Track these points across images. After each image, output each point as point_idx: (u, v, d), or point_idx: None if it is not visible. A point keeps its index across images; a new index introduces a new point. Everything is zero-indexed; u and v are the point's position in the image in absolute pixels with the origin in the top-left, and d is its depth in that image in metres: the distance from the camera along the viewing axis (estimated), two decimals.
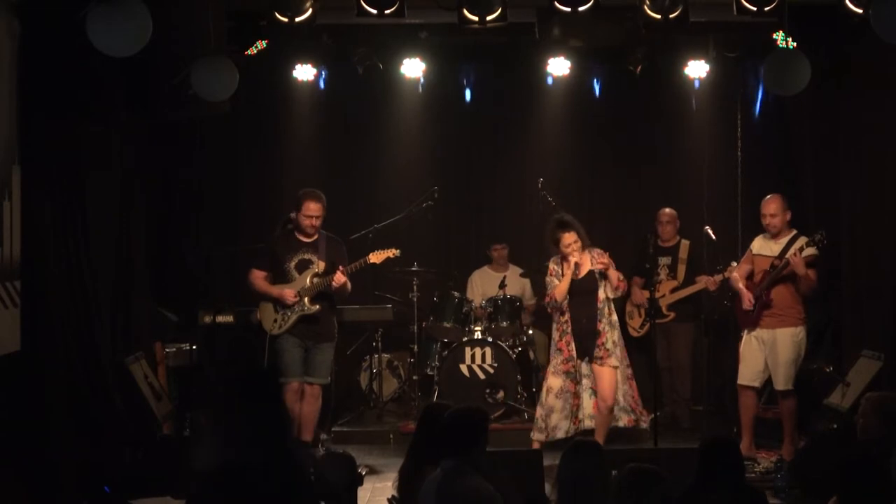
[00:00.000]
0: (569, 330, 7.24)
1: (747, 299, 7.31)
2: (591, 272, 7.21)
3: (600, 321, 7.20)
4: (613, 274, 7.20)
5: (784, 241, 7.30)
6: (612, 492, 4.04)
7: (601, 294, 7.21)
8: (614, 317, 7.30)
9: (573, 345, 7.22)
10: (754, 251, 7.50)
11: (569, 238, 7.19)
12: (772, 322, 7.28)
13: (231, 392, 3.93)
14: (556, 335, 7.33)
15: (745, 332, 7.42)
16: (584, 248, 7.24)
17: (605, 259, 7.21)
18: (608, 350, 7.17)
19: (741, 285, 7.41)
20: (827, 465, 4.50)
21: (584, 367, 7.22)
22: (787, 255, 7.16)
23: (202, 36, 6.47)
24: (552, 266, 7.38)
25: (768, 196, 7.44)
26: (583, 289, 7.23)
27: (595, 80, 9.35)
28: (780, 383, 7.26)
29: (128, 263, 7.62)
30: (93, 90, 6.47)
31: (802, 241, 7.24)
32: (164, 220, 8.78)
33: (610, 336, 7.20)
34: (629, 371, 7.36)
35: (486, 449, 4.42)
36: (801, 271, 7.11)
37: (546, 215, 7.56)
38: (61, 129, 6.64)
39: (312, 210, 7.30)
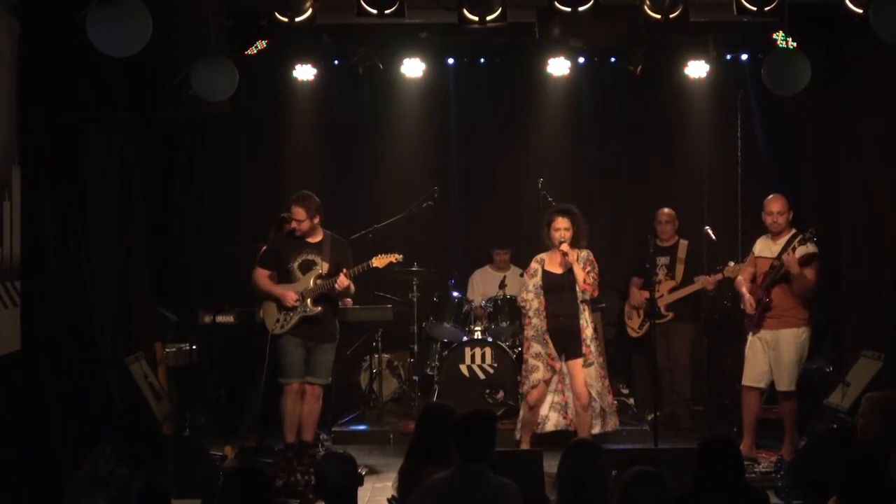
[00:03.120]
0: (544, 328, 7.21)
1: (749, 304, 7.29)
2: (571, 269, 7.18)
3: (579, 318, 7.19)
4: (579, 273, 7.14)
5: (783, 241, 7.29)
6: (612, 492, 4.04)
7: (578, 291, 7.19)
8: (588, 315, 7.26)
9: (550, 343, 7.21)
10: (756, 253, 7.49)
11: (561, 223, 7.15)
12: (774, 323, 7.26)
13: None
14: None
15: (750, 334, 7.40)
16: (577, 245, 7.20)
17: (569, 250, 7.10)
18: (587, 346, 7.18)
19: (744, 289, 7.39)
20: (827, 465, 4.50)
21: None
22: (783, 255, 7.14)
23: (202, 36, 6.47)
24: (533, 264, 7.38)
25: (772, 195, 7.44)
26: (562, 285, 7.20)
27: (595, 80, 9.36)
28: (783, 384, 7.25)
29: (128, 263, 7.61)
30: (93, 90, 6.47)
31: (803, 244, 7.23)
32: (164, 220, 8.78)
33: (585, 332, 7.20)
34: (602, 371, 7.32)
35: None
36: (795, 269, 7.09)
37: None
38: (61, 129, 6.64)
39: (295, 214, 7.30)
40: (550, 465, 5.14)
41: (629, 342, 9.00)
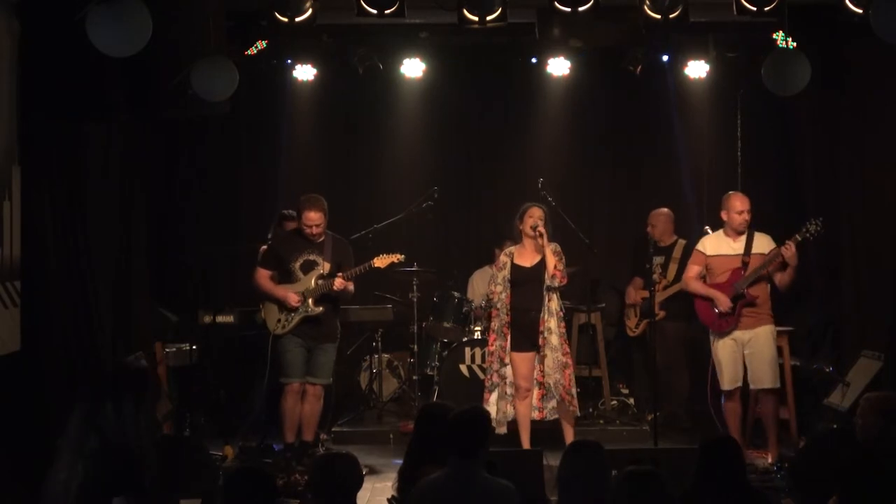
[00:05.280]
0: (507, 320, 7.26)
1: (724, 302, 7.16)
2: (541, 261, 7.22)
3: (542, 310, 7.22)
4: (550, 258, 7.17)
5: (744, 238, 7.24)
6: (611, 492, 4.04)
7: (546, 280, 7.21)
8: (553, 304, 7.25)
9: (508, 339, 7.25)
10: (708, 252, 7.38)
11: (536, 212, 7.26)
12: (749, 322, 7.19)
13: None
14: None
15: (716, 336, 7.30)
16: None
17: (545, 232, 7.17)
18: (544, 337, 7.20)
19: (712, 290, 7.27)
20: (827, 465, 4.50)
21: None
22: (782, 248, 7.05)
23: (202, 36, 6.47)
24: (502, 257, 7.41)
25: (734, 192, 7.36)
26: (531, 278, 7.25)
27: (595, 80, 9.36)
28: (767, 381, 7.17)
29: (128, 263, 7.61)
30: (93, 90, 6.46)
31: (764, 236, 7.20)
32: (164, 220, 8.78)
33: (546, 324, 7.21)
34: (565, 359, 7.28)
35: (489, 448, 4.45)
36: (794, 262, 7.04)
37: (546, 215, 7.56)
38: (61, 129, 6.64)
39: (312, 219, 7.27)
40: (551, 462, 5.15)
41: (628, 341, 9.00)
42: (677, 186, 9.44)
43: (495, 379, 7.36)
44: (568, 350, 7.36)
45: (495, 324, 7.35)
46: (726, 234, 7.35)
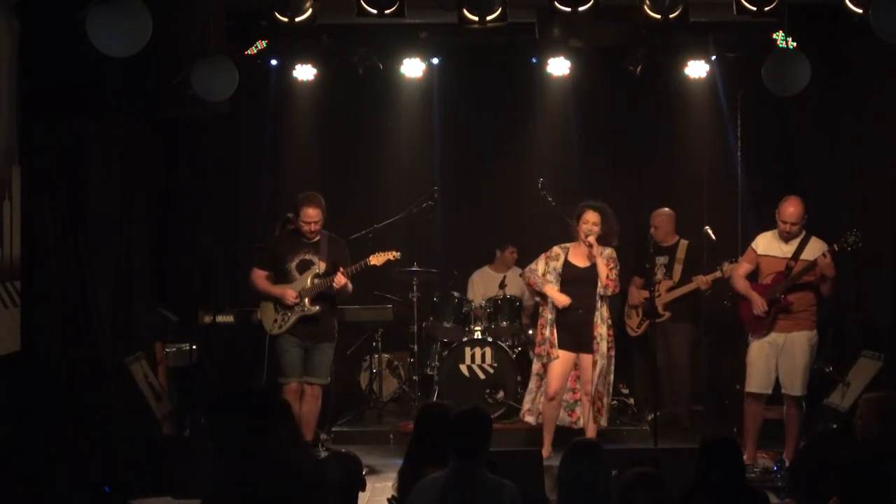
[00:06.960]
0: (553, 317, 7.27)
1: (759, 305, 7.07)
2: (594, 264, 7.23)
3: (594, 313, 7.23)
4: (602, 268, 7.18)
5: (797, 241, 7.11)
6: (612, 493, 4.04)
7: (599, 287, 7.23)
8: (605, 311, 7.29)
9: (555, 332, 7.27)
10: (760, 251, 7.26)
11: (591, 216, 7.21)
12: (786, 325, 7.09)
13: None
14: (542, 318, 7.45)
15: (754, 338, 7.21)
16: (605, 242, 7.25)
17: (595, 243, 7.17)
18: (597, 343, 7.22)
19: (751, 291, 7.18)
20: (827, 465, 4.50)
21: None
22: (817, 259, 6.93)
23: (202, 36, 6.48)
24: (557, 249, 7.39)
25: (788, 199, 7.14)
26: (585, 279, 7.25)
27: (595, 80, 9.36)
28: (797, 389, 7.07)
29: (128, 263, 7.63)
30: (93, 90, 6.47)
31: (818, 242, 7.08)
32: (164, 220, 8.78)
33: (599, 329, 7.23)
34: (609, 367, 7.32)
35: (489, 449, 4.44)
36: (831, 273, 6.94)
37: (546, 215, 7.56)
38: (61, 129, 6.64)
39: (310, 216, 7.28)
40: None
41: (628, 342, 9.00)
42: (677, 186, 9.44)
43: (538, 369, 7.41)
44: (611, 356, 7.38)
45: (547, 314, 7.33)
46: (779, 235, 7.21)
